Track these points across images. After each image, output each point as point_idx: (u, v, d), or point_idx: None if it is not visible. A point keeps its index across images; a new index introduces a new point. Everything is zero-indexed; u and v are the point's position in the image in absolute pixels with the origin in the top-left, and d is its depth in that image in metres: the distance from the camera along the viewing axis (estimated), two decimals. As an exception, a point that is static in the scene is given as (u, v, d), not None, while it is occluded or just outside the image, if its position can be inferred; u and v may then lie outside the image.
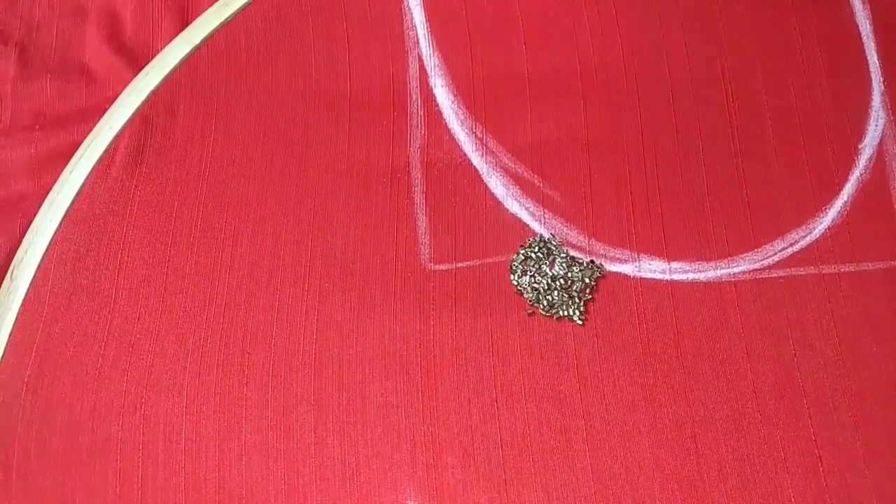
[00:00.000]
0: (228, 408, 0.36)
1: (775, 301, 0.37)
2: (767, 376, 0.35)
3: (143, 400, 0.36)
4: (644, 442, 0.34)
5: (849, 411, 0.34)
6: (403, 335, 0.36)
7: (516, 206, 0.39)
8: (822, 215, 0.38)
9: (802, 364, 0.35)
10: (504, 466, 0.34)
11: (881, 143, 0.40)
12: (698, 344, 0.36)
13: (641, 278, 0.37)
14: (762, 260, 0.37)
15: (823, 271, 0.37)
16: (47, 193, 0.40)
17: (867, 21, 0.42)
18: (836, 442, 0.34)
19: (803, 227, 0.38)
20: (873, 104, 0.40)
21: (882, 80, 0.41)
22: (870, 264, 0.37)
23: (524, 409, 0.35)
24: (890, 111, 0.40)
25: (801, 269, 0.37)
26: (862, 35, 0.42)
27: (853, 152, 0.39)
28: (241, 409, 0.36)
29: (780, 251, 0.38)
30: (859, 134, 0.40)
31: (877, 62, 0.41)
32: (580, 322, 0.36)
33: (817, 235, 0.38)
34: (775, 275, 0.37)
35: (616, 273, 0.37)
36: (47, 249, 0.39)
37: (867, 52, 0.42)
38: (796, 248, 0.38)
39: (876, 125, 0.40)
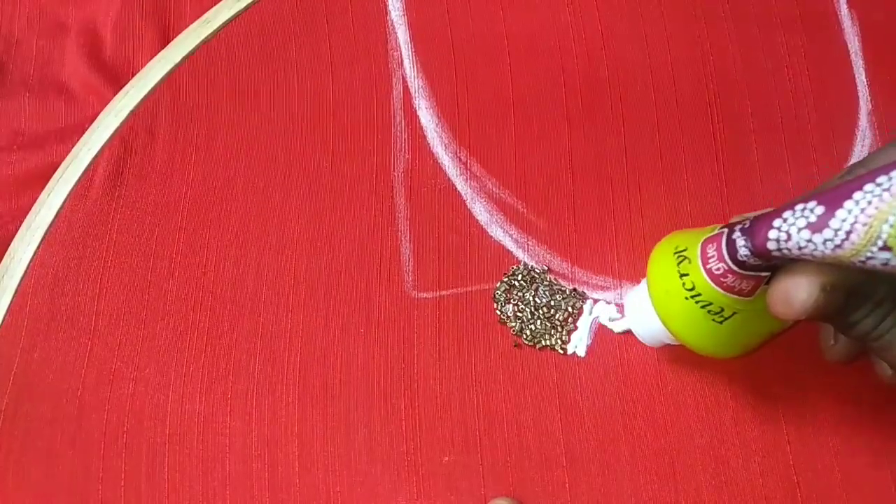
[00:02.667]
0: (212, 437, 0.36)
1: (756, 327, 0.37)
2: (747, 403, 0.36)
3: (125, 429, 0.36)
4: (624, 470, 0.35)
5: (828, 437, 0.35)
6: (387, 364, 0.36)
7: (500, 232, 0.39)
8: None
9: (782, 391, 0.36)
10: (486, 496, 0.34)
11: (867, 164, 0.40)
12: (678, 371, 0.36)
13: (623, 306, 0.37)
14: (743, 285, 0.38)
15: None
16: (25, 215, 0.40)
17: (856, 38, 0.42)
18: (815, 469, 0.34)
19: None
20: (860, 124, 0.41)
21: (869, 99, 0.41)
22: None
23: (506, 438, 0.35)
24: (876, 131, 0.40)
25: (782, 294, 0.38)
26: (850, 52, 0.42)
27: (839, 173, 0.40)
28: (225, 437, 0.36)
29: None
30: (846, 155, 0.40)
31: (864, 80, 0.41)
32: (562, 352, 0.36)
33: (798, 260, 0.38)
34: (756, 300, 0.37)
35: (598, 301, 0.38)
36: (24, 274, 0.38)
37: (855, 69, 0.42)
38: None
39: (862, 145, 0.40)
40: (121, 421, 0.36)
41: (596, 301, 0.37)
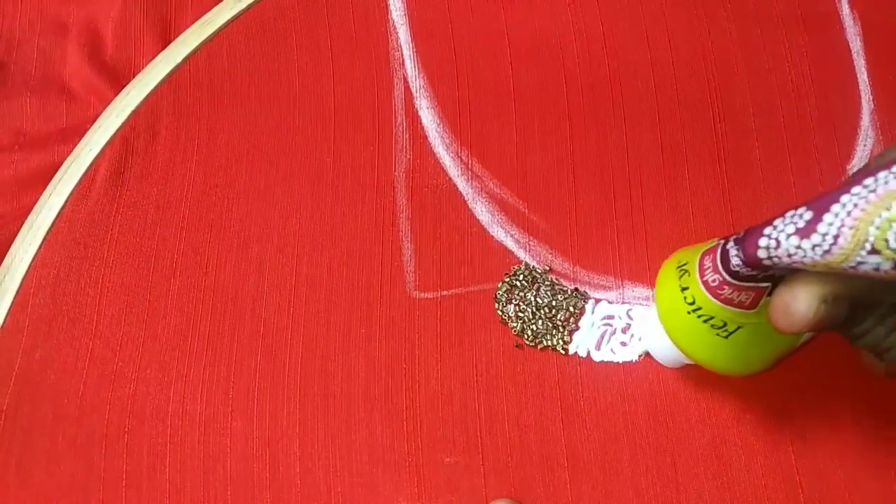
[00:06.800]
0: (213, 437, 0.35)
1: (758, 326, 0.37)
2: (749, 402, 0.35)
3: (127, 429, 0.36)
4: (625, 470, 0.34)
5: (830, 438, 0.35)
6: (388, 364, 0.36)
7: (501, 232, 0.39)
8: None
9: (784, 390, 0.36)
10: (487, 496, 0.34)
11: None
12: (680, 372, 0.36)
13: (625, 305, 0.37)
14: (745, 285, 0.38)
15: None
16: (26, 216, 0.40)
17: (857, 38, 0.42)
18: (817, 468, 0.34)
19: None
20: (862, 124, 0.41)
21: (871, 98, 0.41)
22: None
23: (507, 438, 0.35)
24: (878, 130, 0.40)
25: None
26: (852, 52, 0.42)
27: (841, 173, 0.39)
28: (226, 438, 0.35)
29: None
30: (848, 154, 0.40)
31: (867, 80, 0.41)
32: (563, 352, 0.36)
33: (800, 260, 0.38)
34: (758, 300, 0.37)
35: (600, 301, 0.37)
36: (26, 274, 0.38)
37: (857, 69, 0.42)
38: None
39: (864, 145, 0.40)
40: (122, 421, 0.36)
41: (598, 301, 0.37)
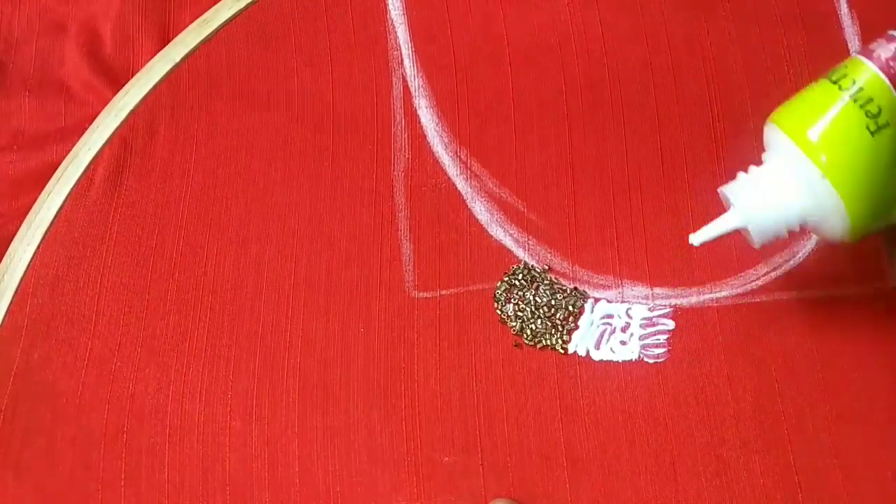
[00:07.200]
0: (212, 437, 0.35)
1: (757, 326, 0.37)
2: (748, 402, 0.35)
3: (125, 429, 0.36)
4: (624, 469, 0.34)
5: (828, 437, 0.35)
6: (387, 364, 0.36)
7: (500, 232, 0.39)
8: (805, 239, 0.38)
9: (783, 389, 0.36)
10: (486, 496, 0.34)
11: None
12: (680, 370, 0.36)
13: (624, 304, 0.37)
14: (745, 285, 0.38)
15: (806, 296, 0.37)
16: (25, 215, 0.40)
17: (856, 37, 0.42)
18: (816, 468, 0.34)
19: (787, 252, 0.38)
20: (858, 123, 0.41)
21: (868, 98, 0.41)
22: (852, 288, 0.38)
23: (506, 438, 0.35)
24: (875, 130, 0.40)
25: (784, 293, 0.37)
26: (850, 52, 0.42)
27: None
28: (225, 438, 0.35)
29: (763, 276, 0.38)
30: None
31: (864, 80, 0.41)
32: (562, 352, 0.36)
33: (800, 260, 0.38)
34: (758, 300, 0.37)
35: (599, 300, 0.37)
36: (24, 274, 0.38)
37: (855, 69, 0.42)
38: (779, 272, 0.38)
39: (860, 145, 0.40)
40: (120, 421, 0.36)
41: (597, 300, 0.37)
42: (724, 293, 0.37)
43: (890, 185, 0.29)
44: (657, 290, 0.37)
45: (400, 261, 0.38)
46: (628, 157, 0.40)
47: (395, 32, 0.43)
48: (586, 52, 0.42)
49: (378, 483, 0.35)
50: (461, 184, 0.40)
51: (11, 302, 0.38)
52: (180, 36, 0.43)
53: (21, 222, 0.39)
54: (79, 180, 0.40)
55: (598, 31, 0.42)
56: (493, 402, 0.36)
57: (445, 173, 0.40)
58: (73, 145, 0.41)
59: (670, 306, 0.37)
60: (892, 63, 0.28)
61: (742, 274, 0.38)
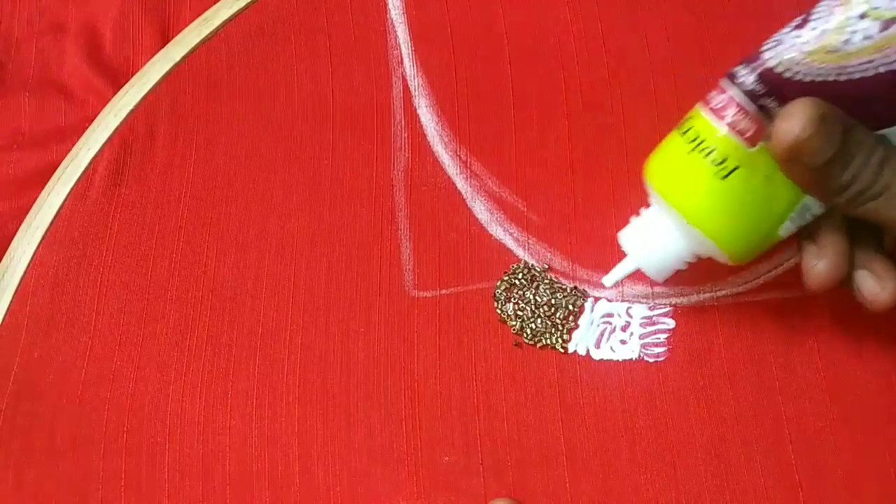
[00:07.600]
0: (212, 436, 0.35)
1: (758, 325, 0.37)
2: (749, 401, 0.35)
3: (125, 428, 0.36)
4: (624, 469, 0.34)
5: (829, 437, 0.35)
6: (387, 363, 0.36)
7: (500, 231, 0.39)
8: (806, 237, 0.38)
9: (784, 389, 0.36)
10: (486, 495, 0.34)
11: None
12: (680, 369, 0.36)
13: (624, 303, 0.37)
14: (746, 283, 0.38)
15: (806, 294, 0.37)
16: (24, 215, 0.40)
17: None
18: (817, 468, 0.34)
19: (788, 250, 0.38)
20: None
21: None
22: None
23: (506, 438, 0.35)
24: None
25: (785, 292, 0.37)
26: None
27: None
28: (225, 437, 0.35)
29: (764, 274, 0.38)
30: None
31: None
32: (562, 351, 0.36)
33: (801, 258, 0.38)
34: (759, 298, 0.37)
35: (599, 299, 0.37)
36: (24, 274, 0.38)
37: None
38: (780, 271, 0.38)
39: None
40: (121, 420, 0.36)
41: (597, 299, 0.37)
42: (724, 292, 0.37)
43: (756, 217, 0.30)
44: (657, 289, 0.37)
45: (400, 260, 0.38)
46: (628, 155, 0.40)
47: (395, 32, 0.43)
48: (586, 51, 0.42)
49: (378, 483, 0.35)
50: (461, 183, 0.40)
51: (11, 302, 0.38)
52: (180, 35, 0.43)
53: (21, 222, 0.39)
54: (79, 180, 0.40)
55: (598, 30, 0.42)
56: (493, 402, 0.36)
57: (445, 173, 0.40)
58: (73, 145, 0.41)
59: (670, 305, 0.37)
60: (724, 113, 0.29)
61: (743, 272, 0.38)
